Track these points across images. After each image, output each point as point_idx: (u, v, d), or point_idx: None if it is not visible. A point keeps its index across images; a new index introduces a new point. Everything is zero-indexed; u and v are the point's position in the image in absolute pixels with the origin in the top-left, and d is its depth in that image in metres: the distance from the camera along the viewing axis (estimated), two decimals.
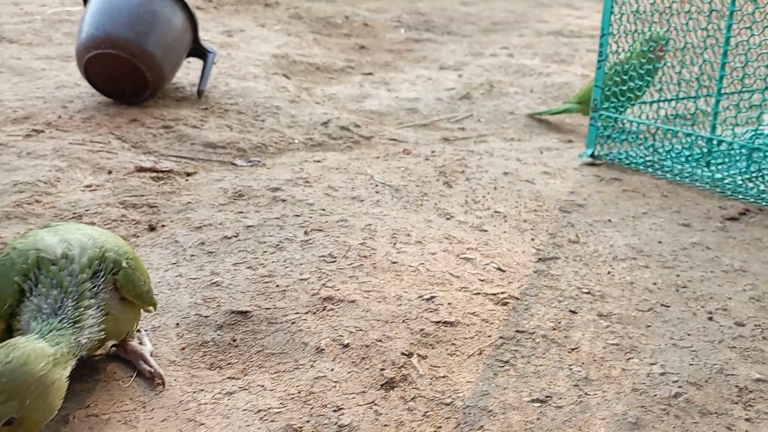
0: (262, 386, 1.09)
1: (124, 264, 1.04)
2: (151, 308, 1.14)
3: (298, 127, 2.58)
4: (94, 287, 0.99)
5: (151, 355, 1.13)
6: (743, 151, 2.13)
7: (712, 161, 2.13)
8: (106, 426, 0.98)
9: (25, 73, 2.93)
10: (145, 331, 1.23)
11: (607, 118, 2.24)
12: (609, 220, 1.81)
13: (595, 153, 2.27)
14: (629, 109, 2.35)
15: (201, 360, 1.17)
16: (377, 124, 2.78)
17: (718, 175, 2.04)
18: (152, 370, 1.09)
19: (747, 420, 1.04)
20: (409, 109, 2.98)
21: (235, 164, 2.20)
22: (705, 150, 2.14)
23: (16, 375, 0.81)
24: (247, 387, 1.09)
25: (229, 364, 1.17)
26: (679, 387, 1.11)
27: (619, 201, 1.95)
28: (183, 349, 1.20)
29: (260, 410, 1.03)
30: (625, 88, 2.18)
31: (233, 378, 1.12)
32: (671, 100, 2.26)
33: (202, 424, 1.00)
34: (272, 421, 1.01)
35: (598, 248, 1.65)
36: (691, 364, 1.18)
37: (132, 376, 1.10)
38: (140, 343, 1.16)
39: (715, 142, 2.14)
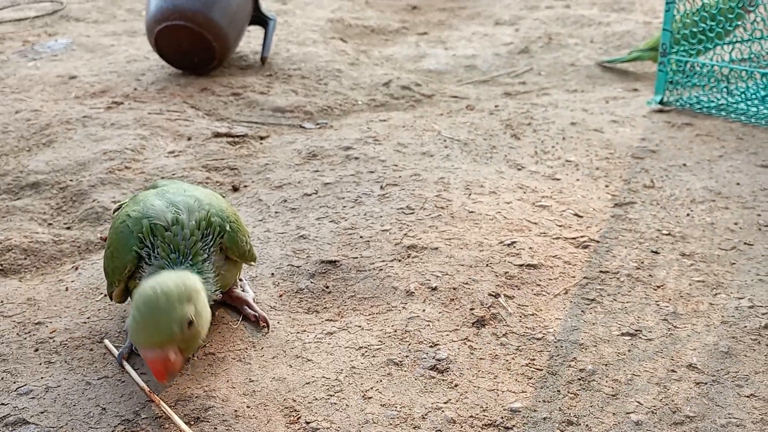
0: (360, 326, 1.16)
1: (227, 228, 1.09)
2: (252, 263, 1.21)
3: (360, 88, 2.62)
4: (204, 246, 1.06)
5: (254, 301, 1.22)
6: None
7: None
8: (222, 363, 1.07)
9: (96, 49, 3.05)
10: (247, 280, 1.31)
11: (678, 62, 2.19)
12: (684, 165, 1.79)
13: (665, 99, 2.23)
14: (703, 53, 2.29)
15: (299, 305, 1.25)
16: (437, 82, 2.79)
17: None
18: (257, 314, 1.17)
19: None
20: (468, 66, 2.97)
21: (303, 127, 2.26)
22: None
23: (192, 285, 0.96)
24: (345, 327, 1.16)
25: (325, 308, 1.24)
26: None
27: (693, 146, 1.92)
28: (281, 296, 1.28)
29: (361, 347, 1.10)
30: (697, 30, 2.12)
31: (331, 320, 1.19)
32: (746, 41, 2.19)
33: (309, 360, 1.08)
34: (373, 356, 1.08)
35: (675, 192, 1.64)
36: None
37: (239, 320, 1.18)
38: (243, 291, 1.24)
39: None
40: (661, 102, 2.23)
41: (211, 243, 1.07)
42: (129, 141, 1.99)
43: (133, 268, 1.05)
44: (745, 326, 1.11)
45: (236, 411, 0.96)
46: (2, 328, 1.18)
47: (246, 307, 1.19)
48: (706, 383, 0.99)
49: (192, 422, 0.94)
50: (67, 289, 1.31)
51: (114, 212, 1.58)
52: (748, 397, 0.96)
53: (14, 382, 1.04)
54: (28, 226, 1.59)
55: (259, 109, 2.37)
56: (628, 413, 0.94)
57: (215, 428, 0.93)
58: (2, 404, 0.99)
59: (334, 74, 2.72)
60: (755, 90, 2.10)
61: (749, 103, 2.10)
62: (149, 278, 0.97)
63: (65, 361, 1.09)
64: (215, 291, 1.07)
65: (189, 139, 2.07)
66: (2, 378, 1.05)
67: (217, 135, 2.10)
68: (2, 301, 1.26)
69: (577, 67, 2.87)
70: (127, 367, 1.05)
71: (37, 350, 1.11)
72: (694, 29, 2.15)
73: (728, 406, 0.95)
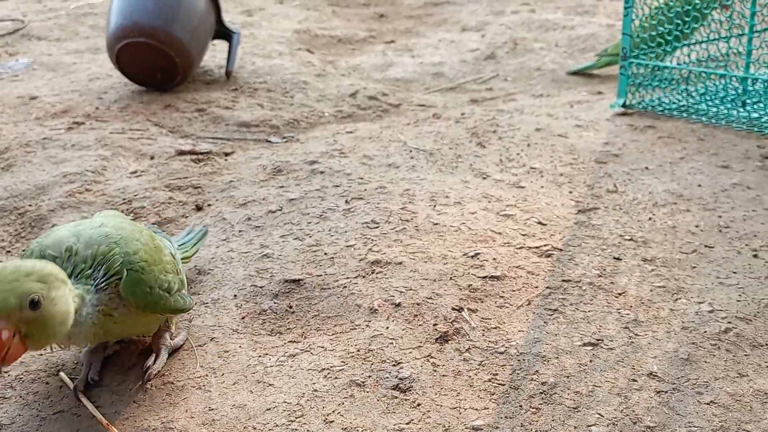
0: (323, 347, 1.15)
1: (124, 274, 1.00)
2: (172, 314, 1.12)
3: (327, 100, 2.61)
4: (94, 277, 0.98)
5: (173, 351, 1.14)
6: None
7: (748, 101, 2.09)
8: (181, 392, 1.05)
9: (58, 68, 3.01)
10: (204, 305, 1.29)
11: (638, 66, 2.21)
12: (646, 168, 1.81)
13: (627, 102, 2.25)
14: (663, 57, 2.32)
15: (261, 327, 1.23)
16: (404, 91, 2.79)
17: (755, 114, 2.02)
18: (150, 366, 1.08)
19: None
20: (435, 73, 2.98)
21: (270, 141, 2.24)
22: (740, 90, 2.11)
23: (51, 270, 0.91)
24: (308, 349, 1.15)
25: (288, 329, 1.22)
26: (729, 323, 1.13)
27: (655, 148, 1.94)
28: (243, 318, 1.26)
29: (323, 369, 1.09)
30: (656, 33, 2.15)
31: (294, 342, 1.18)
32: (703, 42, 2.22)
33: (271, 384, 1.06)
34: (336, 378, 1.07)
35: (638, 196, 1.65)
36: (738, 301, 1.20)
37: (194, 347, 1.16)
38: (172, 336, 1.16)
39: (750, 81, 2.10)
40: (623, 105, 2.26)
41: (102, 278, 0.99)
42: (90, 162, 1.96)
43: None
44: (705, 331, 1.12)
45: None
46: None
47: (153, 356, 1.11)
48: (666, 392, 0.99)
49: None
50: None
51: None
52: (708, 404, 0.97)
53: None
54: None
55: (224, 125, 2.35)
56: (589, 426, 0.94)
57: None
58: None
59: (300, 86, 2.71)
60: (714, 91, 2.13)
61: (709, 103, 2.13)
62: None
63: (20, 396, 1.06)
64: (94, 324, 0.99)
65: (152, 158, 2.04)
66: None
67: (181, 153, 2.07)
68: None
69: (542, 71, 2.89)
70: (84, 399, 1.02)
71: None
72: (653, 33, 2.17)
73: (688, 414, 0.95)
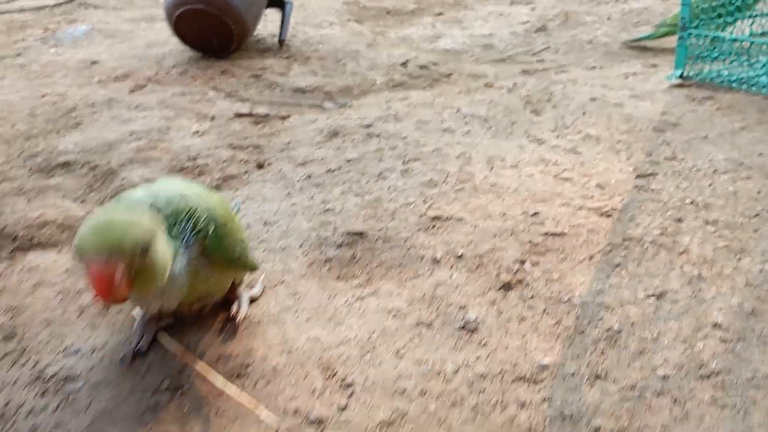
0: (389, 292, 1.19)
1: (210, 229, 1.01)
2: (250, 272, 1.14)
3: (378, 69, 2.63)
4: (179, 234, 0.98)
5: (253, 300, 1.17)
6: None
7: None
8: (259, 326, 1.11)
9: (116, 35, 3.09)
10: (272, 252, 1.34)
11: (697, 37, 2.18)
12: (705, 137, 1.80)
13: (684, 74, 2.22)
14: (723, 27, 2.28)
15: (328, 273, 1.28)
16: (454, 61, 2.80)
17: None
18: (235, 313, 1.10)
19: None
20: (484, 45, 2.97)
21: (323, 107, 2.28)
22: None
23: (153, 226, 0.90)
24: (374, 293, 1.19)
25: (353, 276, 1.27)
26: None
27: (714, 118, 1.93)
28: (310, 265, 1.31)
29: (391, 310, 1.13)
30: (717, 4, 2.11)
31: (360, 286, 1.22)
32: (765, 15, 2.18)
33: (341, 322, 1.11)
34: (404, 318, 1.11)
35: (697, 163, 1.65)
36: None
37: (272, 287, 1.22)
38: (250, 287, 1.20)
39: None
40: (681, 77, 2.23)
41: (189, 234, 0.99)
42: (154, 122, 2.03)
43: None
44: None
45: (275, 368, 1.00)
46: (46, 296, 1.22)
47: (236, 303, 1.13)
48: (731, 341, 1.01)
49: (233, 378, 0.98)
50: None
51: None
52: None
53: (62, 343, 1.08)
54: (61, 203, 1.63)
55: (279, 90, 2.40)
56: (654, 368, 0.96)
57: (255, 384, 0.97)
58: (52, 363, 1.04)
59: (351, 55, 2.74)
60: None
61: None
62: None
63: (108, 325, 1.13)
64: (182, 284, 0.98)
65: (212, 119, 2.10)
66: (50, 340, 1.09)
67: (240, 115, 2.13)
68: (43, 272, 1.31)
69: (594, 44, 2.86)
70: (163, 338, 1.07)
71: (80, 315, 1.16)
72: (713, 3, 2.14)
73: (754, 361, 0.97)
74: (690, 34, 2.18)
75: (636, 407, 0.90)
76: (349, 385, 0.96)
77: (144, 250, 0.87)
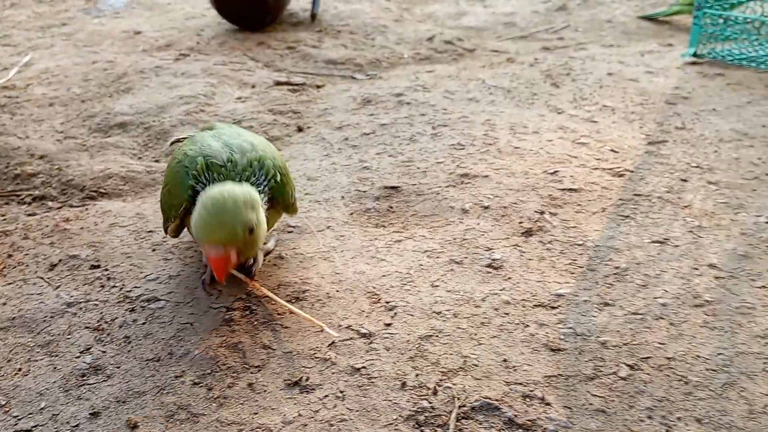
0: (423, 236, 1.35)
1: (278, 176, 1.12)
2: (293, 215, 1.24)
3: (405, 43, 2.77)
4: (257, 182, 1.08)
5: (267, 253, 1.27)
6: None
7: None
8: (311, 260, 1.27)
9: (155, 7, 3.25)
10: (317, 202, 1.51)
11: (712, 16, 2.30)
12: (714, 110, 1.93)
13: (698, 52, 2.34)
14: (736, 8, 2.39)
15: (368, 221, 1.44)
16: (477, 38, 2.93)
17: None
18: (252, 265, 1.18)
19: None
20: (506, 23, 3.09)
21: (355, 77, 2.43)
22: None
23: (255, 196, 1.03)
24: (410, 237, 1.35)
25: (390, 224, 1.43)
26: None
27: (723, 93, 2.05)
28: (351, 214, 1.47)
29: (426, 251, 1.29)
30: None
31: (397, 232, 1.38)
32: None
33: (383, 260, 1.27)
34: (437, 257, 1.27)
35: (704, 133, 1.78)
36: None
37: (320, 231, 1.38)
38: (265, 243, 1.27)
39: None
40: (694, 54, 2.35)
41: (264, 182, 1.10)
42: (200, 88, 2.19)
43: (189, 206, 1.08)
44: (762, 236, 1.28)
45: (328, 294, 1.16)
46: (121, 235, 1.39)
47: (252, 257, 1.18)
48: (724, 278, 1.16)
49: (292, 301, 1.15)
50: None
51: (171, 144, 1.73)
52: (760, 287, 1.13)
53: (141, 272, 1.25)
54: (121, 159, 1.80)
55: (312, 62, 2.55)
56: (655, 298, 1.12)
57: (312, 305, 1.14)
58: (136, 287, 1.21)
59: (380, 30, 2.88)
60: None
61: None
62: (219, 185, 1.02)
63: (179, 258, 1.30)
64: (265, 230, 1.07)
65: (253, 87, 2.26)
66: (131, 270, 1.27)
67: (278, 83, 2.28)
68: (116, 215, 1.48)
69: (613, 23, 2.97)
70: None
71: (154, 250, 1.33)
72: None
73: (742, 294, 1.12)
74: (704, 13, 2.30)
75: (638, 327, 1.06)
76: (392, 308, 1.13)
77: (251, 229, 1.00)
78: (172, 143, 1.66)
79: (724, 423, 0.90)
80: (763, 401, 0.93)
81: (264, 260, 1.26)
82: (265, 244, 1.30)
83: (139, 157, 1.85)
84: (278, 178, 1.12)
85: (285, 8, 2.86)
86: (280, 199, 1.14)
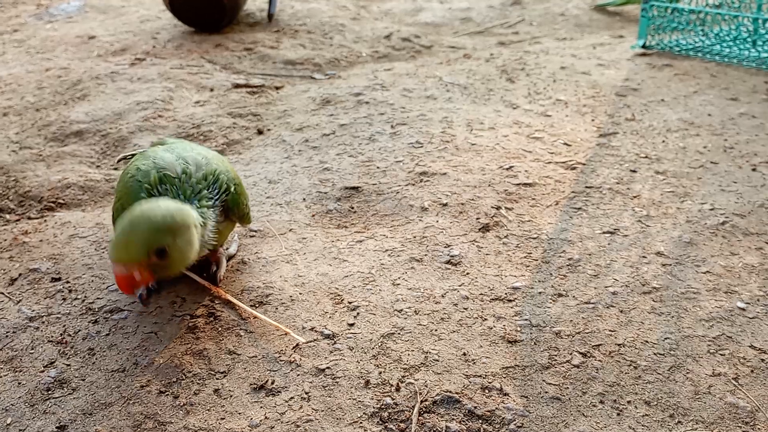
0: (384, 235, 1.38)
1: (232, 188, 1.13)
2: (248, 225, 1.26)
3: (363, 41, 2.79)
4: (210, 196, 1.09)
5: (229, 258, 1.28)
6: None
7: (758, 41, 2.26)
8: (274, 264, 1.29)
9: (108, 10, 3.20)
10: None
11: (659, 8, 2.37)
12: (662, 100, 2.00)
13: (647, 43, 2.42)
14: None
15: (329, 222, 1.46)
16: (434, 34, 2.96)
17: (764, 54, 2.18)
18: (216, 271, 1.21)
19: None
20: (463, 18, 3.13)
21: (314, 77, 2.44)
22: (751, 30, 2.27)
23: (183, 218, 1.00)
24: (372, 237, 1.38)
25: (352, 224, 1.45)
26: (726, 218, 1.35)
27: (671, 84, 2.13)
28: (313, 216, 1.49)
29: (387, 249, 1.32)
30: None
31: (359, 232, 1.41)
32: None
33: (345, 260, 1.30)
34: (398, 256, 1.30)
35: (653, 123, 1.85)
36: (736, 202, 1.41)
37: (282, 234, 1.40)
38: (227, 249, 1.30)
39: (761, 21, 2.26)
40: (643, 46, 2.42)
41: (216, 196, 1.10)
42: (158, 93, 2.17)
43: None
44: (706, 223, 1.34)
45: (291, 297, 1.18)
46: (81, 246, 1.39)
47: (215, 263, 1.23)
48: (670, 265, 1.22)
49: (256, 306, 1.17)
50: None
51: (118, 161, 1.70)
52: (704, 273, 1.19)
53: (103, 283, 1.25)
54: (79, 168, 1.79)
55: (271, 62, 2.55)
56: (606, 287, 1.17)
57: (276, 309, 1.16)
58: (99, 298, 1.21)
59: (338, 29, 2.89)
60: (728, 32, 2.29)
61: (723, 44, 2.30)
62: (151, 200, 1.00)
63: None
64: (207, 241, 1.08)
65: (211, 90, 2.25)
66: (93, 281, 1.26)
67: (237, 86, 2.28)
68: (75, 226, 1.47)
69: (566, 16, 3.04)
70: (188, 273, 1.24)
71: None
72: None
73: (688, 279, 1.18)
74: (652, 5, 2.37)
75: (590, 316, 1.11)
76: (354, 308, 1.15)
77: (161, 252, 0.96)
78: (119, 160, 1.65)
79: (671, 404, 0.95)
80: (708, 382, 0.98)
81: (227, 265, 1.27)
82: (227, 249, 1.31)
83: (98, 166, 1.83)
84: (232, 190, 1.14)
85: (241, 9, 2.85)
86: (235, 210, 1.16)
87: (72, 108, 2.13)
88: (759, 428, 0.91)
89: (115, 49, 2.66)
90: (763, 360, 1.01)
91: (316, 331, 1.11)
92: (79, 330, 1.14)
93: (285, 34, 2.82)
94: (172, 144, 1.21)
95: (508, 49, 2.62)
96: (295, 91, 2.26)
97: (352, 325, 1.12)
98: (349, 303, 1.17)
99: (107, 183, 1.71)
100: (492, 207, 1.44)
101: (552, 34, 2.86)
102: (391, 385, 0.99)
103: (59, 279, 1.29)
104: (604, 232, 1.33)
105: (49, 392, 1.01)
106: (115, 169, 1.81)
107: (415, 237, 1.36)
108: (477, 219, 1.40)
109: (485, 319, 1.11)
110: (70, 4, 3.25)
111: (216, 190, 1.10)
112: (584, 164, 1.62)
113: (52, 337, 1.13)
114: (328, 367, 1.03)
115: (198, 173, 1.09)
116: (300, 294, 1.19)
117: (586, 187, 1.51)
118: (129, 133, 1.94)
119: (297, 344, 1.08)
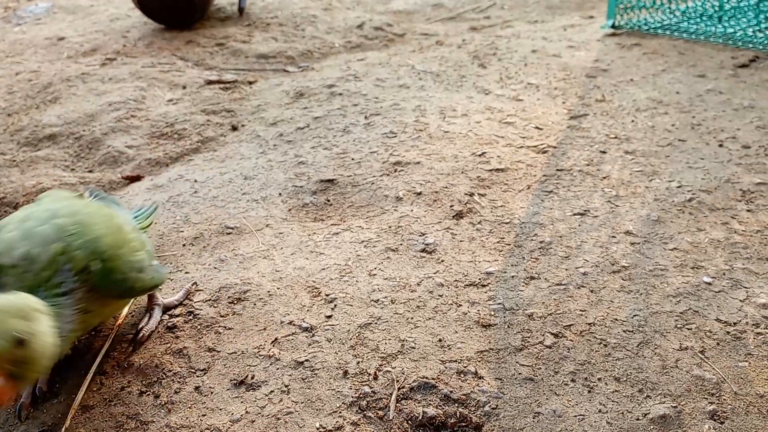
0: (360, 227, 1.39)
1: (94, 266, 0.93)
2: (143, 295, 1.07)
3: (336, 32, 2.79)
4: (62, 281, 0.91)
5: (165, 310, 1.16)
6: (751, 3, 2.28)
7: (724, 17, 2.29)
8: (251, 260, 1.30)
9: (77, 11, 3.16)
10: (255, 201, 1.53)
11: None
12: (631, 80, 2.02)
13: (616, 23, 2.44)
14: None
15: (306, 216, 1.48)
16: (407, 22, 2.97)
17: (730, 30, 2.21)
18: (143, 327, 1.11)
19: (748, 211, 1.31)
20: (435, 4, 3.14)
21: (287, 70, 2.44)
22: (717, 7, 2.30)
23: (29, 305, 0.85)
24: (348, 228, 1.40)
25: (328, 216, 1.47)
26: (692, 194, 1.38)
27: (640, 63, 2.15)
28: (289, 210, 1.50)
29: (363, 241, 1.34)
30: None
31: (335, 224, 1.42)
32: None
33: (322, 253, 1.31)
34: (374, 246, 1.32)
35: (623, 103, 1.88)
36: (703, 179, 1.44)
37: (258, 230, 1.41)
38: (151, 317, 1.14)
39: None
40: (613, 26, 2.45)
41: (72, 278, 0.92)
42: (130, 93, 2.16)
43: None
44: (673, 201, 1.37)
45: (269, 292, 1.20)
46: None
47: (147, 317, 1.13)
48: (639, 243, 1.25)
49: (235, 302, 1.18)
50: None
51: None
52: (671, 250, 1.22)
53: None
54: (53, 172, 1.78)
55: (243, 57, 2.54)
56: (577, 267, 1.19)
57: (254, 305, 1.17)
58: None
59: (309, 20, 2.88)
60: (694, 9, 2.32)
61: (690, 21, 2.33)
62: None
63: None
64: (73, 330, 0.93)
65: (184, 87, 2.24)
66: None
67: (210, 82, 2.27)
68: None
69: None
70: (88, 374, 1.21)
71: None
72: None
73: (656, 257, 1.21)
74: None
75: (561, 297, 1.13)
76: (332, 300, 1.17)
77: (20, 341, 0.81)
78: None
79: (640, 379, 0.98)
80: (675, 356, 1.01)
81: (161, 318, 1.14)
82: (165, 298, 1.18)
83: (72, 169, 1.83)
84: (94, 268, 0.93)
85: (212, 4, 2.83)
86: (107, 287, 0.95)
87: (44, 111, 2.11)
88: (724, 399, 0.94)
89: (86, 49, 2.63)
90: (728, 333, 1.05)
91: (294, 325, 1.12)
92: None
93: (257, 28, 2.81)
94: (40, 206, 1.01)
95: (480, 34, 2.63)
96: (269, 85, 2.26)
97: (329, 317, 1.13)
98: (327, 295, 1.18)
99: (82, 186, 1.70)
100: (465, 194, 1.45)
101: (523, 17, 2.87)
102: (369, 374, 1.01)
103: None
104: (574, 214, 1.36)
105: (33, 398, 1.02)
106: (90, 171, 1.81)
107: (390, 227, 1.37)
108: (451, 206, 1.42)
109: (460, 305, 1.14)
110: (38, 6, 3.21)
111: (70, 271, 0.91)
112: (555, 147, 1.64)
113: None
114: (306, 360, 1.05)
115: (45, 255, 0.91)
116: (278, 289, 1.21)
117: (557, 170, 1.53)
118: (102, 134, 1.94)
119: (276, 338, 1.09)
